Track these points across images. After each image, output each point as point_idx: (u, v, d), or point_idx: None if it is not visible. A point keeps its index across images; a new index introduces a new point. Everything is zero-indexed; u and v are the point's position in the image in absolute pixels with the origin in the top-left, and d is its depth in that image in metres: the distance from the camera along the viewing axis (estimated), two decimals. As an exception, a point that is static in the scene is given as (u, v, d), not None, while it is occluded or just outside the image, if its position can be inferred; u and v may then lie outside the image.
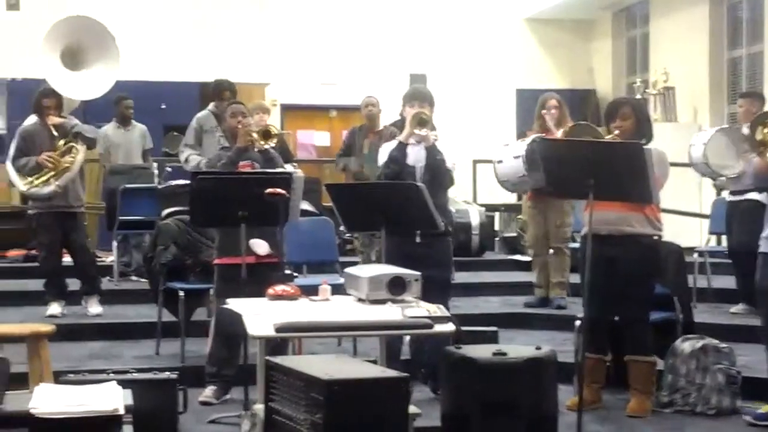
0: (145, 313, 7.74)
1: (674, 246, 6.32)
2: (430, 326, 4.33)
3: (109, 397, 4.00)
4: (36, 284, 8.12)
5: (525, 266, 9.64)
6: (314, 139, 15.38)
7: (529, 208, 8.71)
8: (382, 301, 4.58)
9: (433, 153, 5.93)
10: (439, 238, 5.90)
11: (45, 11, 12.13)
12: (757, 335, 7.21)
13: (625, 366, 5.82)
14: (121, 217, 9.44)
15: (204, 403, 5.93)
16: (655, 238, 5.73)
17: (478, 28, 15.33)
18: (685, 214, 10.88)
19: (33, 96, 7.96)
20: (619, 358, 5.90)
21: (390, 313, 4.45)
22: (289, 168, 7.04)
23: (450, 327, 4.41)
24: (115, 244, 9.51)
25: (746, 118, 7.98)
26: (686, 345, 5.92)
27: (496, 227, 11.96)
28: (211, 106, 8.65)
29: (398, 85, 10.15)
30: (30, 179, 7.72)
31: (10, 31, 13.39)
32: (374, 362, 4.75)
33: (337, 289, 5.03)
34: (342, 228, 7.03)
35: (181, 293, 6.74)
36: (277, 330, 4.17)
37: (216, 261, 6.14)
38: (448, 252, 6.06)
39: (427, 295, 4.71)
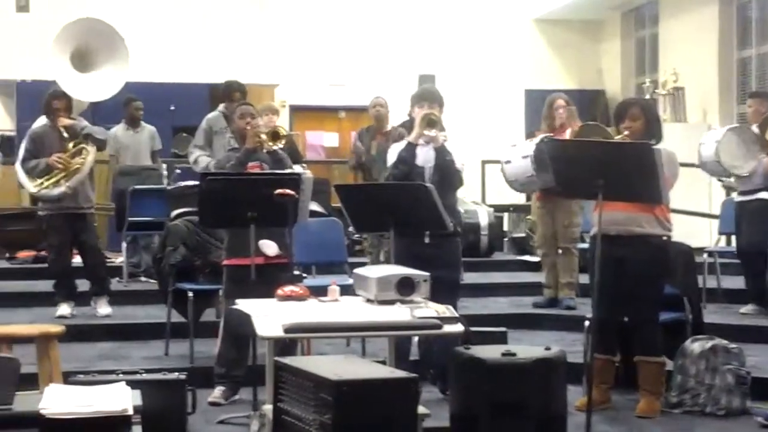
0: (154, 313, 7.75)
1: (684, 246, 6.30)
2: (439, 327, 4.32)
3: (119, 398, 4.00)
4: (46, 285, 8.14)
5: (534, 267, 9.63)
6: (323, 140, 15.39)
7: (537, 209, 8.69)
8: (391, 302, 4.58)
9: (442, 153, 5.92)
10: (448, 239, 5.89)
11: (55, 13, 12.20)
12: (767, 335, 7.23)
13: (634, 366, 5.80)
14: (130, 218, 9.45)
15: (213, 404, 5.93)
16: (665, 238, 5.70)
17: (487, 28, 15.32)
18: (695, 215, 10.87)
19: (43, 98, 7.96)
20: (628, 358, 5.88)
21: (399, 313, 4.45)
22: (298, 169, 7.03)
23: (459, 327, 4.40)
24: (124, 245, 9.52)
25: (755, 117, 7.98)
26: (696, 345, 5.89)
27: (505, 228, 11.96)
28: (221, 107, 8.64)
29: (407, 86, 10.09)
30: (40, 181, 7.73)
31: (19, 33, 13.45)
32: (383, 363, 4.75)
33: (346, 290, 5.02)
34: (351, 229, 7.02)
35: (190, 294, 6.74)
36: (286, 330, 4.17)
37: (225, 262, 6.14)
38: (457, 253, 6.05)
39: (435, 296, 4.69)
